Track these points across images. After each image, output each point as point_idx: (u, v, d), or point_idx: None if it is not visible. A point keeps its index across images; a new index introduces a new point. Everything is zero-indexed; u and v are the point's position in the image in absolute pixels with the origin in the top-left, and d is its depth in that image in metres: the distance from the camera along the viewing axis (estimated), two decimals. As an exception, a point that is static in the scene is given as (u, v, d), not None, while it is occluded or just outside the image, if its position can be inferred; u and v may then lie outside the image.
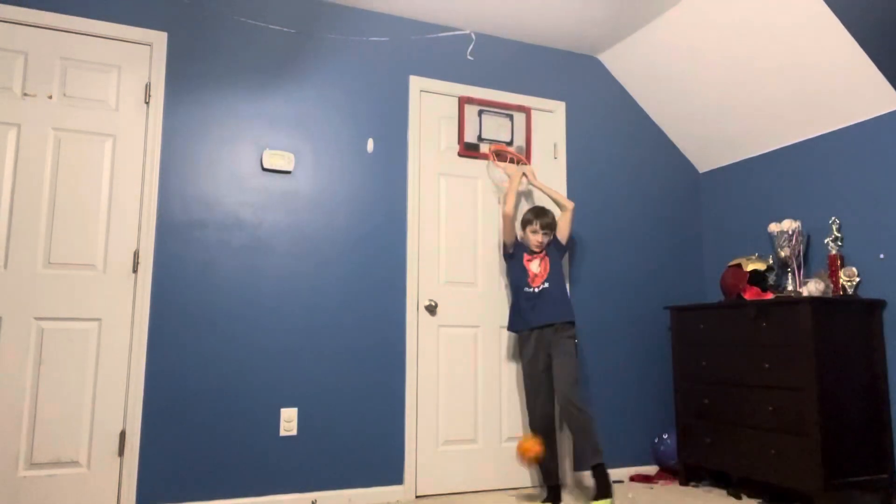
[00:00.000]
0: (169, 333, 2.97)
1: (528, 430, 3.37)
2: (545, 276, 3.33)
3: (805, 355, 3.00)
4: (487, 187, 3.71)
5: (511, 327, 3.45)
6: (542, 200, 3.67)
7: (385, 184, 3.47)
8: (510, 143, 3.76)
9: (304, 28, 3.40)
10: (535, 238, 3.39)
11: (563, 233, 3.46)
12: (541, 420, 3.26)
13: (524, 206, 3.68)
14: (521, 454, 3.13)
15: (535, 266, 3.37)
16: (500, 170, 3.67)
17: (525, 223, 3.46)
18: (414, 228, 3.48)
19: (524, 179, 3.63)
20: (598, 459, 3.03)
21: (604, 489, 2.98)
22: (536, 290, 3.32)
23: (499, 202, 3.68)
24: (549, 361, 3.23)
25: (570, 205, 3.47)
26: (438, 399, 3.44)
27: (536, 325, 3.28)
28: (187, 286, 3.03)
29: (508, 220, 3.45)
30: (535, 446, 3.09)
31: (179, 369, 2.97)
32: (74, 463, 2.79)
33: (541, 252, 3.40)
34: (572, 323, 3.28)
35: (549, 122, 3.91)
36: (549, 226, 3.41)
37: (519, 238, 3.51)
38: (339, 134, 3.41)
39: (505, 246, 3.53)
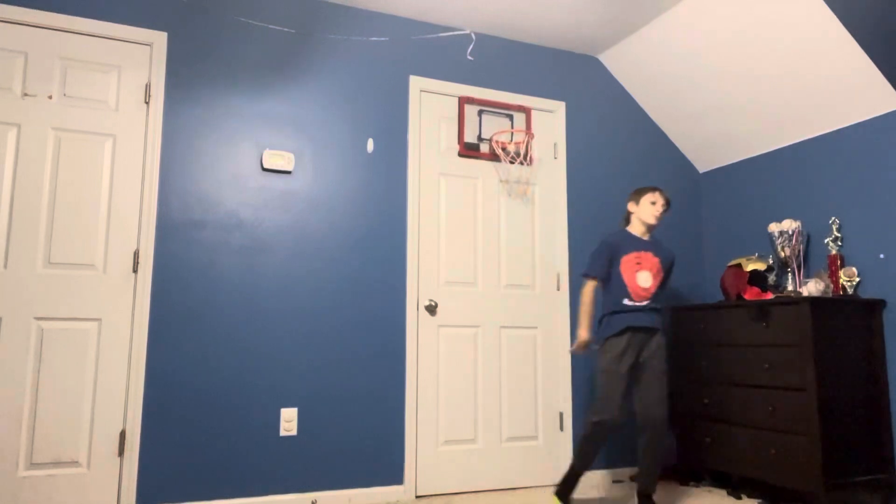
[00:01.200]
0: (169, 333, 2.97)
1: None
2: (652, 292, 3.04)
3: (805, 355, 3.00)
4: (487, 187, 3.71)
5: (606, 335, 3.03)
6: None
7: (385, 184, 3.47)
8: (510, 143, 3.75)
9: (304, 28, 3.40)
10: (654, 210, 3.08)
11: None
12: (618, 417, 2.92)
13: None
14: None
15: (644, 279, 3.03)
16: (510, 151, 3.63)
17: (641, 193, 3.12)
18: (414, 228, 3.48)
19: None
20: (655, 490, 3.02)
21: None
22: (637, 304, 3.02)
23: (513, 195, 3.68)
24: (634, 363, 2.98)
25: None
26: (438, 399, 3.44)
27: (632, 326, 2.99)
28: (187, 286, 3.03)
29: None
30: None
31: (179, 369, 2.97)
32: (74, 463, 2.79)
33: (652, 248, 3.09)
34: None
35: (549, 122, 3.91)
36: (670, 204, 3.16)
37: (631, 211, 3.16)
38: (339, 134, 3.41)
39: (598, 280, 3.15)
